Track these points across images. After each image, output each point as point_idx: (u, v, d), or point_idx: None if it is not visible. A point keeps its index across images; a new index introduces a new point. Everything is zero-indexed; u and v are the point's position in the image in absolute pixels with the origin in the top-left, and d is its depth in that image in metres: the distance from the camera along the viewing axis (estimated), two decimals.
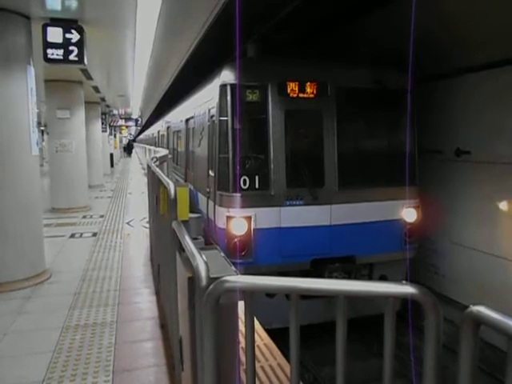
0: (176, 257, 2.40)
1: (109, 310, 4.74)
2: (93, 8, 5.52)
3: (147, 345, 3.96)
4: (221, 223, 6.18)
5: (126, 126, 33.03)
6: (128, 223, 9.63)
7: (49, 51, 5.56)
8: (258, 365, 3.51)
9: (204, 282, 1.60)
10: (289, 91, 6.27)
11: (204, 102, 7.63)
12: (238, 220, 5.97)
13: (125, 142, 54.70)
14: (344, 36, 8.61)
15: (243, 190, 5.99)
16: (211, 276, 1.63)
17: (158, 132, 20.78)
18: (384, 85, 6.62)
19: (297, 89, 6.32)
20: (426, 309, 1.35)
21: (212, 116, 6.83)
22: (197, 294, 1.66)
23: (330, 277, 6.14)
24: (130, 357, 3.73)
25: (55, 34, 5.57)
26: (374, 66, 6.82)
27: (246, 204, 5.99)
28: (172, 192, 2.75)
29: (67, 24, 5.59)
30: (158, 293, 5.10)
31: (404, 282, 1.43)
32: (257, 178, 6.09)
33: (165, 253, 3.46)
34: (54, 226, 9.06)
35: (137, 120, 29.21)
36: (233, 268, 2.04)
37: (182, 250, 2.43)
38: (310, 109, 6.45)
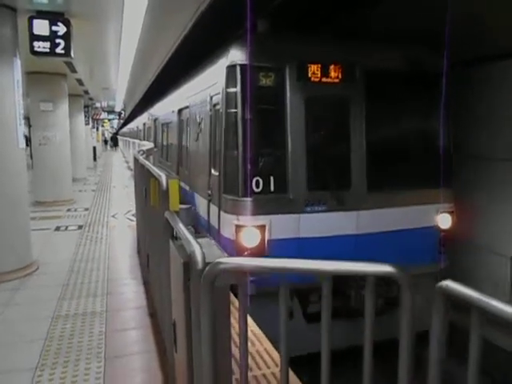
0: (169, 245, 2.52)
1: (98, 300, 4.83)
2: (79, 1, 5.54)
3: (137, 332, 4.08)
4: (227, 233, 5.18)
5: (109, 119, 32.69)
6: (113, 216, 9.66)
7: (35, 44, 5.57)
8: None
9: (200, 265, 1.73)
10: (310, 75, 5.26)
11: (204, 88, 6.58)
12: (249, 230, 4.98)
13: (107, 135, 54.42)
14: (369, 11, 7.10)
15: (255, 193, 5.00)
16: (207, 261, 1.76)
17: (144, 125, 19.64)
18: (422, 68, 5.64)
19: (319, 72, 5.29)
20: (401, 285, 1.51)
21: (215, 105, 5.84)
22: (192, 277, 1.79)
23: (359, 296, 5.18)
24: (120, 344, 3.84)
25: (41, 27, 5.58)
26: (411, 46, 5.78)
27: (258, 210, 5.00)
28: (164, 184, 2.86)
29: (54, 17, 5.60)
30: (146, 283, 5.21)
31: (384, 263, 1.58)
32: (272, 178, 5.10)
33: (156, 242, 3.57)
34: (39, 220, 9.04)
35: (120, 113, 28.94)
36: (225, 253, 2.18)
37: (174, 238, 2.56)
38: (335, 96, 5.44)
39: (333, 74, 5.35)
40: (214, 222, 5.76)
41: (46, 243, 7.29)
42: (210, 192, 5.95)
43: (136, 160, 5.75)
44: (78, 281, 5.43)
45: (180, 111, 9.05)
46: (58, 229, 8.38)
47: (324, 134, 5.61)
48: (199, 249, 1.80)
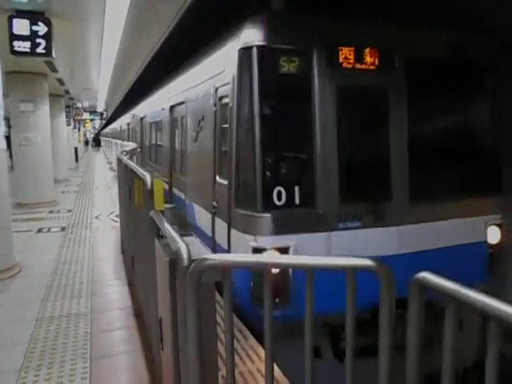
0: (155, 243, 2.54)
1: (82, 301, 4.81)
2: (60, 0, 5.50)
3: (122, 332, 4.08)
4: None
5: (91, 120, 32.32)
6: (97, 217, 9.58)
7: (15, 43, 5.51)
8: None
9: (185, 262, 1.77)
10: (341, 60, 4.35)
11: (205, 79, 5.62)
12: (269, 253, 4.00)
13: (89, 136, 53.92)
14: None
15: (277, 207, 4.08)
16: (192, 258, 1.80)
17: (128, 125, 19.04)
18: (471, 56, 4.79)
19: (352, 57, 4.38)
20: (381, 278, 1.57)
21: (222, 98, 4.96)
22: (178, 273, 1.82)
23: (403, 331, 3.49)
24: (106, 344, 3.84)
25: (22, 26, 5.53)
26: (461, 29, 4.91)
27: (281, 229, 4.06)
28: (149, 183, 2.88)
29: (34, 16, 5.56)
30: (130, 283, 5.20)
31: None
32: (297, 188, 4.15)
33: (141, 242, 3.59)
34: (21, 221, 8.91)
35: (102, 113, 28.64)
36: (209, 250, 2.21)
37: (160, 236, 2.58)
38: (371, 87, 4.53)
39: (368, 59, 4.45)
40: (221, 240, 4.83)
41: (28, 245, 7.20)
42: (215, 204, 5.00)
43: (119, 161, 5.73)
44: (61, 282, 5.39)
45: (172, 108, 8.15)
46: (40, 230, 8.28)
47: (359, 133, 4.62)
48: (184, 246, 1.84)
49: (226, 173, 4.63)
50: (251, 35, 4.22)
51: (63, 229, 8.39)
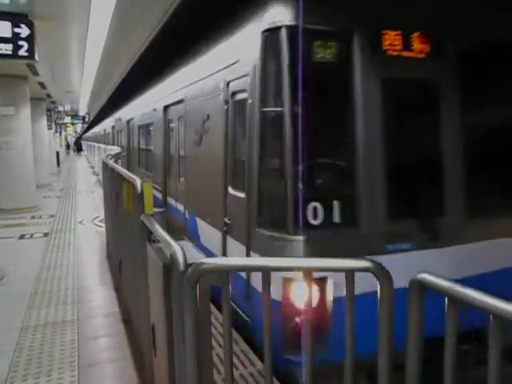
0: (147, 248, 2.51)
1: (68, 308, 4.71)
2: (43, 2, 5.41)
3: (111, 339, 4.00)
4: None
5: (72, 124, 31.87)
6: (80, 222, 9.43)
7: None
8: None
9: (182, 266, 1.74)
10: (386, 46, 3.62)
11: (211, 73, 4.86)
12: (302, 285, 2.52)
13: (70, 139, 53.06)
14: None
15: (312, 226, 3.29)
16: (188, 262, 1.77)
17: (113, 128, 18.57)
18: None
19: (399, 43, 3.65)
20: (380, 280, 1.57)
21: (236, 93, 4.18)
22: (174, 278, 1.79)
23: (478, 370, 3.07)
24: (94, 352, 3.76)
25: (3, 28, 5.43)
26: None
27: (317, 254, 3.19)
28: (139, 187, 2.85)
29: (16, 18, 5.45)
30: (118, 289, 5.12)
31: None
32: (336, 204, 3.38)
33: (130, 247, 3.53)
34: (2, 227, 8.72)
35: (84, 117, 28.27)
36: (202, 254, 2.19)
37: (151, 241, 2.55)
38: (420, 78, 3.75)
39: (416, 45, 3.72)
40: None
41: (10, 252, 7.04)
42: (227, 220, 4.22)
43: (105, 165, 5.65)
44: (46, 289, 5.27)
45: (167, 108, 7.38)
46: (22, 237, 8.10)
47: (408, 136, 3.73)
48: (180, 250, 1.82)
49: (243, 184, 3.87)
50: (279, 13, 3.38)
51: (46, 234, 8.22)
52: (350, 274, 1.63)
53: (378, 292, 1.59)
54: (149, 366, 2.78)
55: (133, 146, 11.58)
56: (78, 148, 50.70)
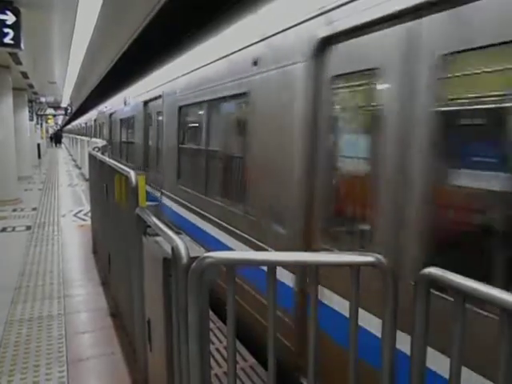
0: (142, 241, 2.47)
1: (54, 302, 4.62)
2: None
3: (99, 334, 3.94)
4: None
5: (54, 115, 31.22)
6: (64, 216, 9.26)
7: None
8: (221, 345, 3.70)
9: (185, 260, 1.71)
10: None
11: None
12: None
13: (51, 131, 51.90)
14: None
15: None
16: (191, 255, 1.75)
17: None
18: None
19: None
20: (384, 274, 1.58)
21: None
22: (178, 272, 1.76)
23: None
24: (83, 347, 3.70)
25: None
26: None
27: None
28: (133, 180, 2.80)
29: (1, 4, 5.29)
30: (105, 283, 5.05)
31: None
32: None
33: (121, 240, 3.48)
34: None
35: (66, 109, 27.72)
36: (202, 249, 2.17)
37: (148, 234, 2.51)
38: None
39: None
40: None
41: None
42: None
43: (93, 157, 5.54)
44: (30, 283, 5.16)
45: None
46: (4, 230, 7.91)
47: None
48: (182, 243, 1.79)
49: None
50: None
51: (29, 228, 8.05)
52: (354, 268, 1.63)
53: (383, 289, 1.60)
54: (142, 360, 2.74)
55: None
56: (57, 141, 48.85)
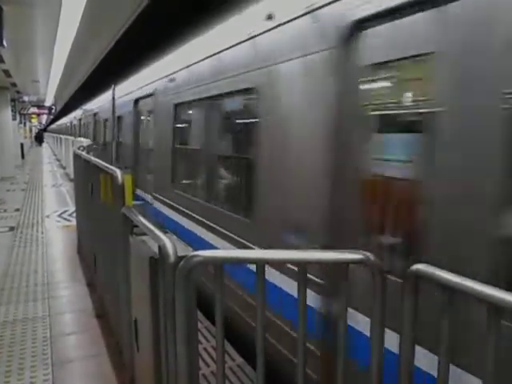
0: (129, 241, 2.44)
1: (39, 304, 4.54)
2: None
3: (85, 336, 3.88)
4: None
5: (38, 114, 30.72)
6: (48, 216, 9.11)
7: None
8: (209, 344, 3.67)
9: (172, 259, 1.69)
10: None
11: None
12: None
13: (35, 131, 51.08)
14: None
15: None
16: (178, 255, 1.73)
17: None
18: None
19: None
20: (373, 271, 1.58)
21: None
22: (166, 271, 1.74)
23: None
24: (68, 349, 3.65)
25: None
26: None
27: None
28: (120, 179, 2.76)
29: None
30: (90, 284, 4.99)
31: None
32: None
33: (106, 240, 3.44)
34: None
35: (50, 108, 27.29)
36: (189, 247, 2.15)
37: (134, 233, 2.48)
38: None
39: None
40: None
41: None
42: None
43: (78, 156, 5.47)
44: (14, 285, 5.06)
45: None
46: None
47: None
48: (170, 242, 1.77)
49: None
50: None
51: (12, 229, 7.90)
52: (344, 266, 1.63)
53: (372, 285, 1.60)
54: (129, 360, 2.71)
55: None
56: (40, 140, 47.88)
